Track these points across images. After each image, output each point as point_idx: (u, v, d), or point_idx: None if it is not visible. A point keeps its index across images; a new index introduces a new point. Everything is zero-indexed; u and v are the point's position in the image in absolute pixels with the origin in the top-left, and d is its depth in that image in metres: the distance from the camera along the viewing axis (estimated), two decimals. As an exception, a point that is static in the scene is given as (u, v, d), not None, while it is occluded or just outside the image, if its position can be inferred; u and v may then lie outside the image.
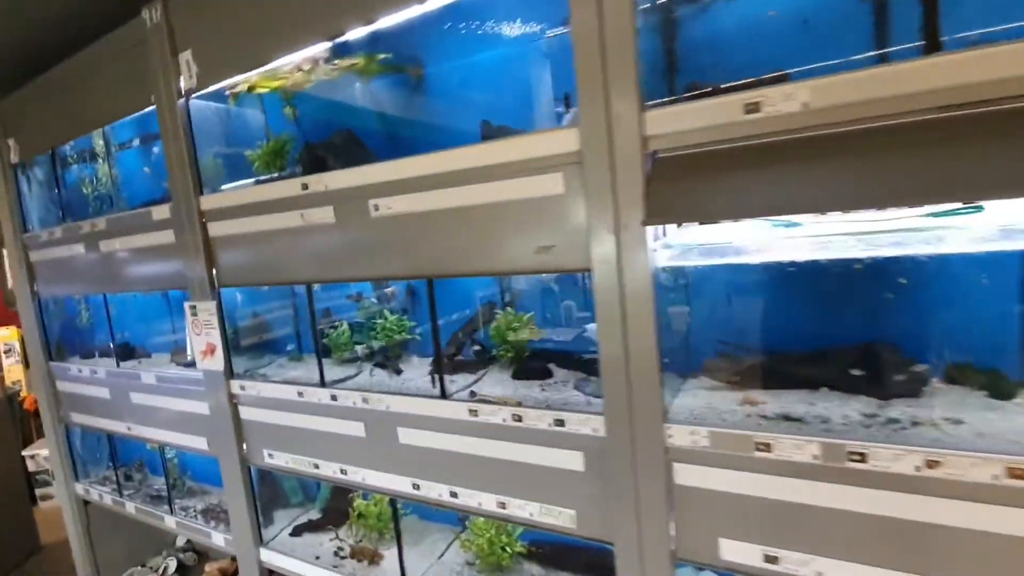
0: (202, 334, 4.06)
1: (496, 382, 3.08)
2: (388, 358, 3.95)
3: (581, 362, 2.99)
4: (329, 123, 3.61)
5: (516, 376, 3.09)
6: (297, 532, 3.86)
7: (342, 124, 3.56)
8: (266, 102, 4.25)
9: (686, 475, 2.18)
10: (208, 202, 3.89)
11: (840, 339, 2.37)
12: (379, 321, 4.01)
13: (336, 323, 4.26)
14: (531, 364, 3.08)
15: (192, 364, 3.96)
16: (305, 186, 3.17)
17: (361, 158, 3.47)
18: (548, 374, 3.08)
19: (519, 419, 2.68)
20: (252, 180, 3.86)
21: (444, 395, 2.91)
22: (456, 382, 3.08)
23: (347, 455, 3.25)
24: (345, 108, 3.96)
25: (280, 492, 4.30)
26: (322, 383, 3.62)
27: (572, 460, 2.49)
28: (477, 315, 3.75)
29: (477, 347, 3.72)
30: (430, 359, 3.56)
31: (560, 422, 2.61)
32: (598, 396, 2.48)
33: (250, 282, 3.87)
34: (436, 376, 3.04)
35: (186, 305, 4.10)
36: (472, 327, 3.77)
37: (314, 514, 4.09)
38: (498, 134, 3.03)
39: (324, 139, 3.78)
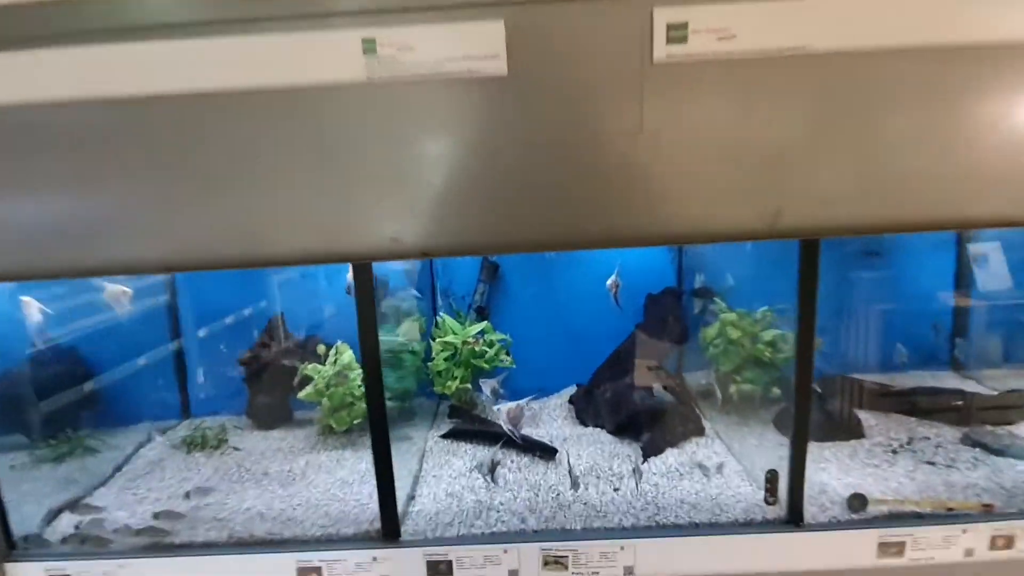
0: None
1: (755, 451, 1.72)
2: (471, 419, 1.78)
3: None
4: None
5: (782, 429, 1.71)
6: None
7: None
8: None
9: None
10: None
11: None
12: (449, 339, 1.79)
13: (307, 346, 1.87)
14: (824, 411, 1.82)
15: None
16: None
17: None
18: (858, 431, 1.82)
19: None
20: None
21: (799, 520, 1.10)
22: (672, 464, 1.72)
23: None
24: None
25: None
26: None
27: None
28: (676, 321, 1.92)
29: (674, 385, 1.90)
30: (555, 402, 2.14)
31: None
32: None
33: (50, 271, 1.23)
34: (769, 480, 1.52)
35: None
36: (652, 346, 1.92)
37: None
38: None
39: None
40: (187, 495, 1.50)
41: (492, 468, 1.52)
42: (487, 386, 1.66)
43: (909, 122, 1.19)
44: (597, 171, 1.19)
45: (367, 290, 1.25)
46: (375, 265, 1.77)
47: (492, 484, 1.53)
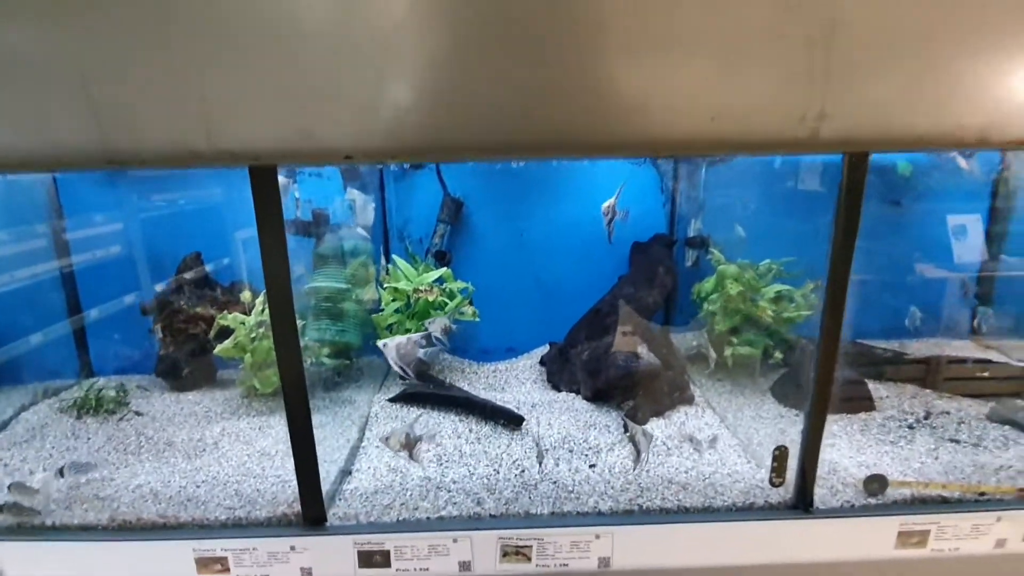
0: None
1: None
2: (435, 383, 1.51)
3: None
4: None
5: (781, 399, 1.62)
6: None
7: None
8: None
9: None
10: None
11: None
12: (400, 285, 1.50)
13: (232, 290, 1.58)
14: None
15: None
16: None
17: None
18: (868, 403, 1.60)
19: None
20: None
21: (809, 504, 0.84)
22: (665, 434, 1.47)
23: None
24: None
25: None
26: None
27: None
28: (667, 272, 1.67)
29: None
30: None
31: None
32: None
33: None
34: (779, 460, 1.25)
35: None
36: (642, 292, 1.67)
37: None
38: None
39: None
40: (60, 472, 1.20)
41: (410, 444, 1.24)
42: (436, 325, 1.36)
43: (981, 21, 0.92)
44: (578, 44, 0.89)
45: (270, 204, 0.94)
46: (311, 193, 1.44)
47: (411, 461, 1.26)
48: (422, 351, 1.35)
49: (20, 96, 0.88)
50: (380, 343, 1.35)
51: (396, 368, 1.30)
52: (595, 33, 0.88)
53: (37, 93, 0.88)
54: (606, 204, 1.33)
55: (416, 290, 1.55)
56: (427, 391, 1.60)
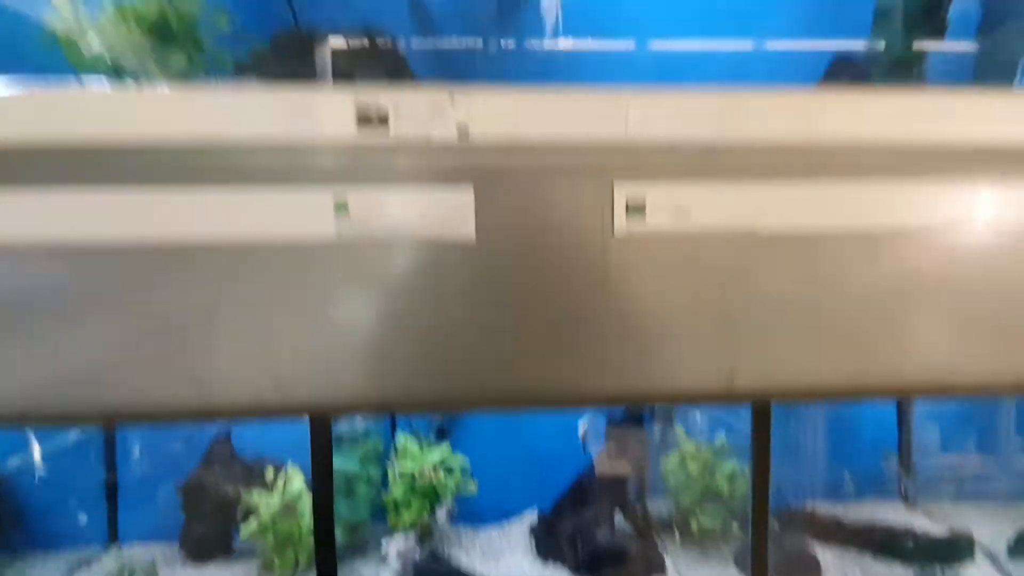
0: None
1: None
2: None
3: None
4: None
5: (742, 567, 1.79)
6: None
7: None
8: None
9: None
10: None
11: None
12: (406, 470, 1.74)
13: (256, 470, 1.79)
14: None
15: None
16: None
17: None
18: (816, 571, 1.82)
19: None
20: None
21: None
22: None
23: None
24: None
25: None
26: None
27: None
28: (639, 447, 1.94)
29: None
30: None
31: None
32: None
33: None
34: None
35: None
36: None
37: None
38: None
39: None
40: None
41: None
42: (441, 513, 1.62)
43: (853, 296, 1.28)
44: (562, 334, 1.22)
45: (324, 450, 1.21)
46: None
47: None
48: (416, 552, 1.61)
49: (145, 370, 1.16)
50: (383, 547, 1.60)
51: (397, 566, 1.55)
52: (569, 318, 1.21)
53: (159, 368, 1.16)
54: (581, 432, 1.68)
55: (421, 472, 1.78)
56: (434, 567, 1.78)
